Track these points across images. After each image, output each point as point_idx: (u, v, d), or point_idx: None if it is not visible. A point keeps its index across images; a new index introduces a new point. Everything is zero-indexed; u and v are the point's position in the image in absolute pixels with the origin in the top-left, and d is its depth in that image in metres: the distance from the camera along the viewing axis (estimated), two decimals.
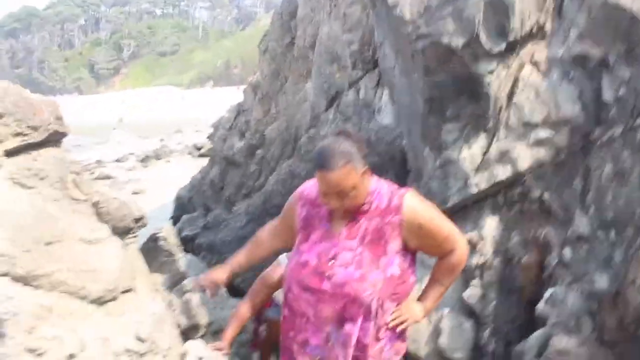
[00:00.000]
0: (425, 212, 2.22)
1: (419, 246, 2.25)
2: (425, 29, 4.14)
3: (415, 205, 2.20)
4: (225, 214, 9.82)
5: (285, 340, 2.40)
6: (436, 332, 4.23)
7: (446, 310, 4.26)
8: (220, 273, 2.66)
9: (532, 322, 3.93)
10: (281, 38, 9.79)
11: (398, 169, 5.76)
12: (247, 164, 10.06)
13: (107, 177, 19.30)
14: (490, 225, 4.33)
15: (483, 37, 4.03)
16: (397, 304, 2.25)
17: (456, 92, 4.24)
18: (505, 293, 4.16)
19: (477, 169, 4.28)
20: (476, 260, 4.25)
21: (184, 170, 15.23)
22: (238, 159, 10.31)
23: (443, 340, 4.18)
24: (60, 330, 3.18)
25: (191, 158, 21.88)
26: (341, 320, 2.18)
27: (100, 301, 4.24)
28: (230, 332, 2.99)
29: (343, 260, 2.18)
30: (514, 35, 4.08)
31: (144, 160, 22.95)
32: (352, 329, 2.17)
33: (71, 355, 3.13)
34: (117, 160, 23.66)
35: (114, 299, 4.36)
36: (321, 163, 2.11)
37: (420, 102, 4.49)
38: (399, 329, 2.25)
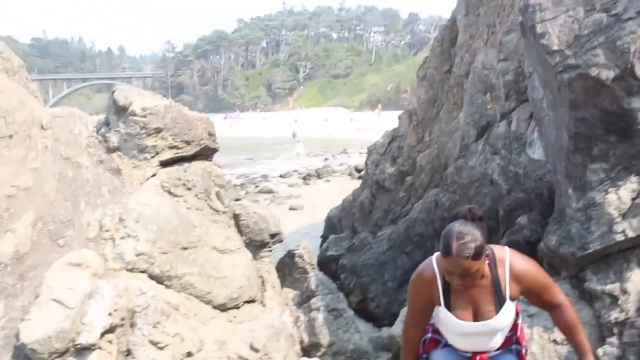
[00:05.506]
0: None
1: None
2: (574, 59, 3.87)
3: None
4: (370, 237, 9.89)
5: None
6: None
7: None
8: None
9: None
10: (440, 65, 9.70)
11: (544, 207, 5.42)
12: (396, 189, 10.06)
13: (270, 192, 20.40)
14: (636, 278, 3.90)
15: (638, 69, 3.67)
16: None
17: (605, 129, 3.90)
18: None
19: (625, 215, 3.89)
20: (616, 315, 3.85)
21: (341, 191, 15.60)
22: (388, 184, 10.34)
23: None
24: (183, 328, 3.41)
25: (350, 179, 22.31)
26: None
27: (223, 307, 4.52)
28: None
29: None
30: None
31: (306, 178, 23.89)
32: None
33: (189, 354, 3.35)
34: (281, 176, 24.92)
35: (236, 307, 4.61)
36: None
37: (565, 137, 4.19)
38: None
